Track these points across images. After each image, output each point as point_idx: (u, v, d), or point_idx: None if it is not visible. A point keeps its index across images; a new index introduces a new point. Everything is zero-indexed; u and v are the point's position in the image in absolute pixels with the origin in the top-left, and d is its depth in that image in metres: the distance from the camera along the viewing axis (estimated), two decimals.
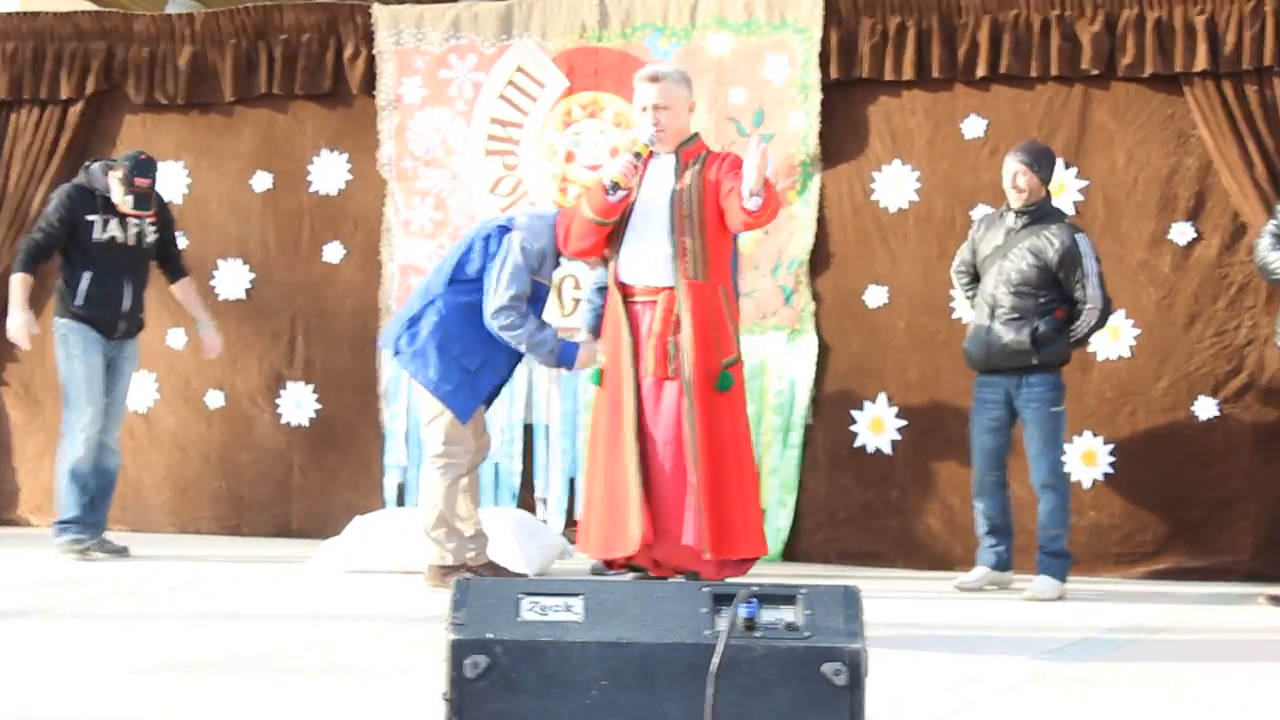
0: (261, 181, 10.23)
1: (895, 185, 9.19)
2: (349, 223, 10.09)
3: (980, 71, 8.98)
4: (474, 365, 7.65)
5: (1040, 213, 8.04)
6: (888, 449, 9.13)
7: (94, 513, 8.95)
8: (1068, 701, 5.23)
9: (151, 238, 9.07)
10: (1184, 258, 8.74)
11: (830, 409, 9.23)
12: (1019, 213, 8.04)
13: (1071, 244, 7.90)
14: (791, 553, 9.19)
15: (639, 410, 6.89)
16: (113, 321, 8.93)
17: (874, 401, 9.15)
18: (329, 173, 10.13)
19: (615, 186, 6.76)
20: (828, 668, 3.63)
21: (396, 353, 7.80)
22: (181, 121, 10.40)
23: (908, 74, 9.09)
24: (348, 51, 10.04)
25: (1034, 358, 7.90)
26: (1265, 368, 8.61)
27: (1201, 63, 8.58)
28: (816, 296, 9.26)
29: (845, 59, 9.20)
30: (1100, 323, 8.00)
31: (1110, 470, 8.78)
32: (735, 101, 9.35)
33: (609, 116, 9.54)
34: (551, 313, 9.21)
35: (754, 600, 3.68)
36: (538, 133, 9.71)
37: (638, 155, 6.85)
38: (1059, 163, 8.81)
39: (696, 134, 7.12)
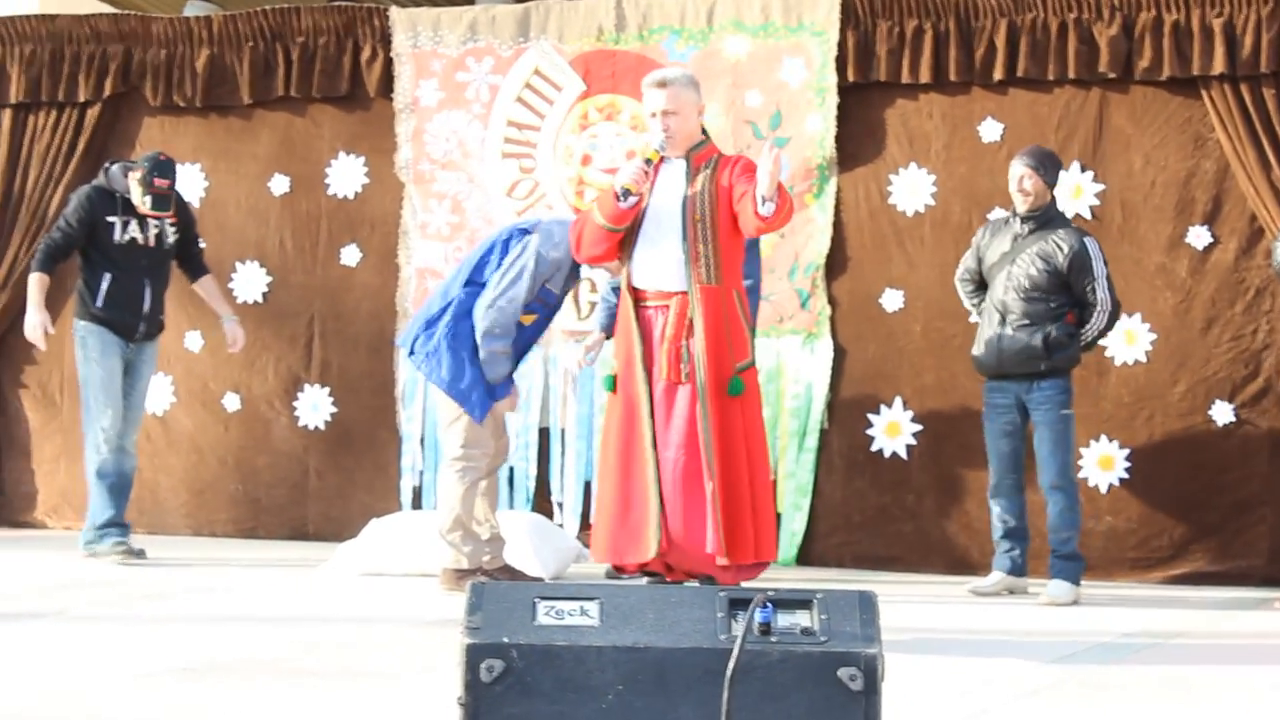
0: (279, 184, 10.24)
1: (912, 188, 9.18)
2: (366, 226, 10.10)
3: (997, 75, 8.98)
4: None
5: (1046, 217, 8.03)
6: (903, 453, 9.12)
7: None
8: (1083, 706, 5.23)
9: (171, 238, 9.08)
10: (1201, 262, 8.72)
11: (846, 413, 9.22)
12: (1025, 218, 8.03)
13: (1081, 248, 7.90)
14: (807, 557, 9.19)
15: (652, 416, 6.89)
16: (133, 324, 8.93)
17: (890, 405, 9.14)
18: (346, 176, 10.14)
19: (626, 193, 6.75)
20: (843, 672, 3.63)
21: (411, 353, 7.82)
22: (199, 124, 10.42)
23: (924, 77, 9.09)
24: (365, 54, 10.06)
25: (1044, 363, 7.90)
26: None
27: (1219, 66, 8.57)
28: (832, 300, 9.25)
29: (862, 62, 9.20)
30: (1109, 325, 8.00)
31: (1126, 475, 8.77)
32: (752, 104, 9.35)
33: (625, 119, 9.54)
34: (567, 317, 9.22)
35: (770, 605, 3.68)
36: (554, 135, 9.71)
37: (648, 161, 6.85)
38: (1075, 166, 8.80)
39: (707, 137, 7.10)
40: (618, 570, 7.44)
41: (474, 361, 7.64)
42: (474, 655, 3.63)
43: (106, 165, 9.13)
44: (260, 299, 10.22)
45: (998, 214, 8.68)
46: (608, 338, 7.98)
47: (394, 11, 10.04)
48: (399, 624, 6.76)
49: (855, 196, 9.26)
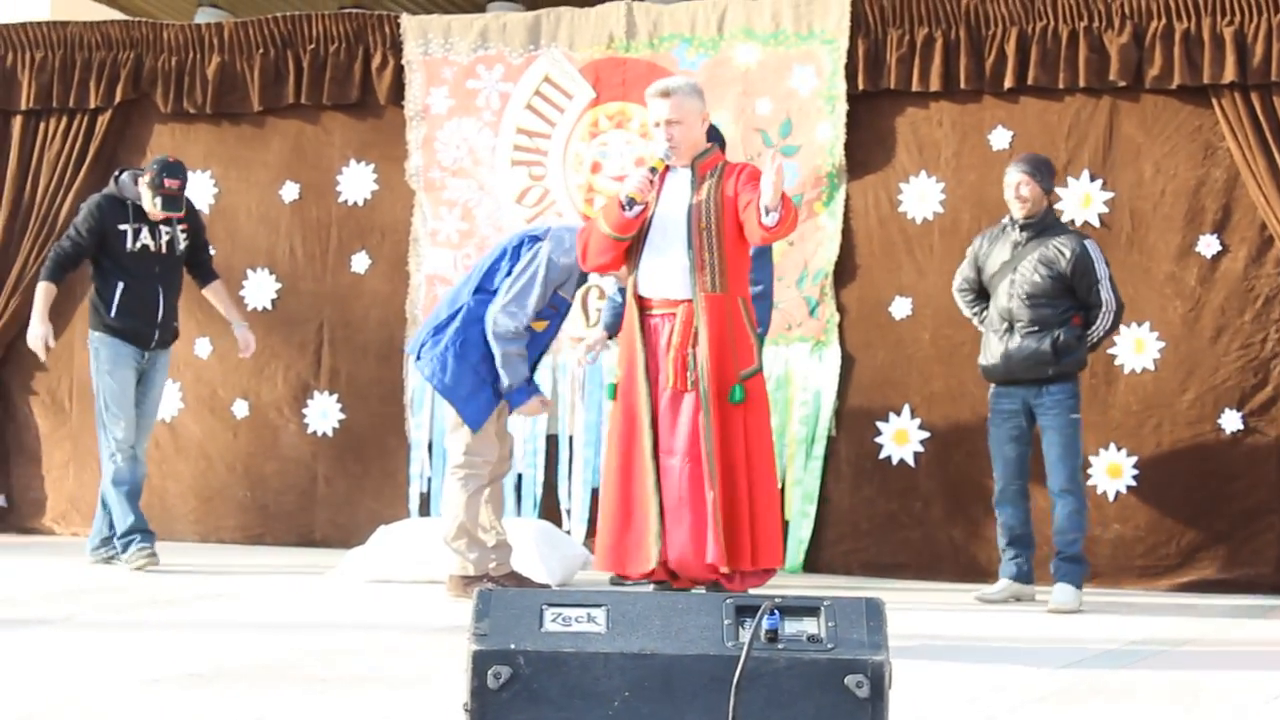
0: (289, 191, 10.26)
1: (921, 196, 9.18)
2: (376, 233, 10.11)
3: (1008, 83, 8.98)
4: (490, 375, 7.65)
5: (1043, 223, 8.04)
6: (911, 460, 9.12)
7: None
8: (1092, 713, 5.22)
9: (183, 244, 9.05)
10: (1210, 270, 8.72)
11: (854, 420, 9.22)
12: (1023, 225, 8.04)
13: (1082, 251, 7.91)
14: (814, 564, 9.18)
15: (654, 426, 6.89)
16: (148, 332, 8.91)
17: (898, 413, 9.14)
18: (357, 183, 10.15)
19: (631, 202, 6.76)
20: (850, 680, 3.63)
21: (418, 358, 7.82)
22: (210, 131, 10.44)
23: (935, 85, 9.09)
24: (376, 62, 10.07)
25: (1053, 368, 7.90)
26: None
27: (1230, 74, 8.56)
28: (841, 308, 9.25)
29: (872, 70, 9.20)
30: (1115, 325, 8.01)
31: (1134, 483, 8.76)
32: (762, 112, 9.35)
33: (635, 127, 9.55)
34: (576, 323, 9.23)
35: (777, 612, 3.68)
36: (564, 143, 9.72)
37: (653, 170, 6.86)
38: (1085, 174, 8.81)
39: (712, 145, 7.10)
40: (622, 578, 7.43)
41: (479, 370, 7.63)
42: (481, 661, 3.64)
43: (116, 173, 9.11)
44: (270, 306, 10.23)
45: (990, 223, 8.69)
46: (610, 337, 7.98)
47: (405, 19, 10.05)
48: (406, 630, 6.76)
49: (865, 204, 9.26)
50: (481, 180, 9.85)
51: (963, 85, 9.07)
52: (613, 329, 7.89)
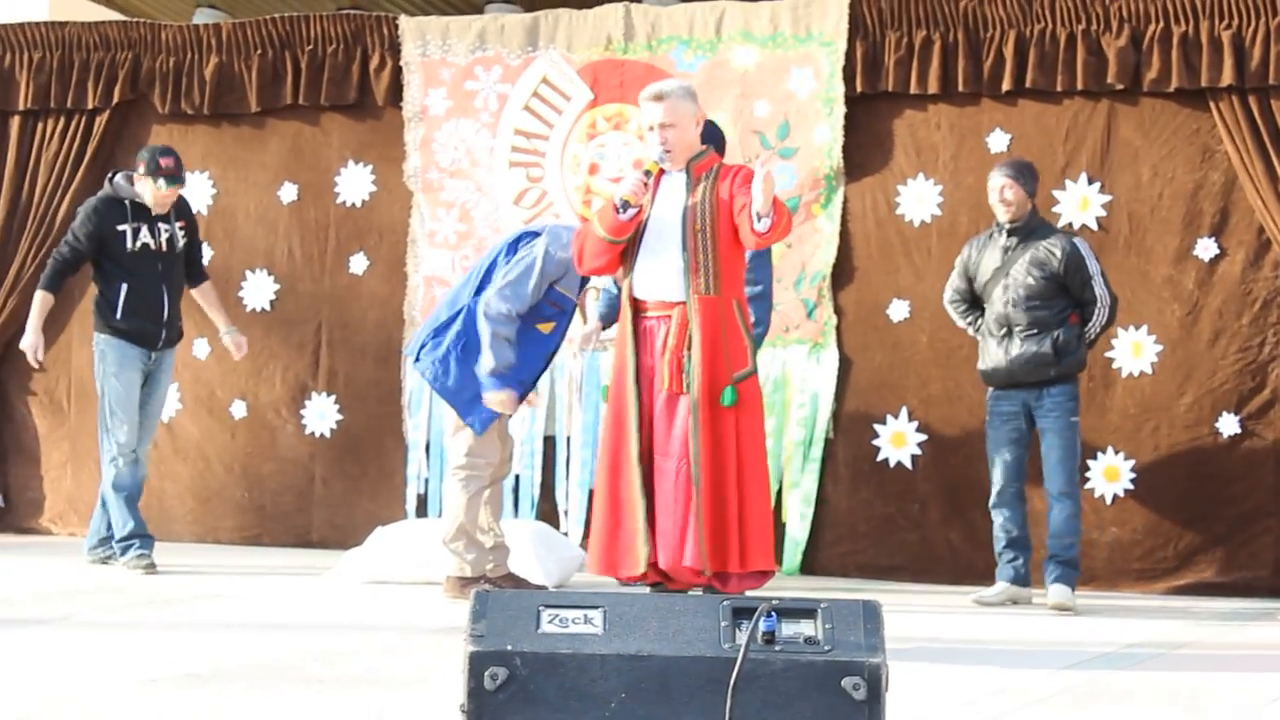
0: (288, 193, 10.25)
1: (919, 199, 9.18)
2: (374, 234, 10.11)
3: (1005, 85, 8.98)
4: None
5: (1030, 226, 8.06)
6: (909, 463, 9.12)
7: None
8: (1089, 716, 5.22)
9: (182, 241, 9.02)
10: (1208, 273, 8.72)
11: (852, 423, 9.22)
12: (1011, 230, 8.05)
13: (1072, 249, 7.94)
14: (811, 566, 9.18)
15: (642, 429, 6.90)
16: (154, 331, 8.86)
17: (896, 415, 9.14)
18: (355, 184, 10.15)
19: (625, 205, 6.76)
20: (847, 682, 3.63)
21: (417, 360, 7.81)
22: (208, 132, 10.44)
23: (933, 88, 9.09)
24: (374, 63, 10.07)
25: (1054, 369, 7.91)
26: None
27: (1227, 77, 8.56)
28: (839, 310, 9.25)
29: (870, 72, 9.21)
30: (1110, 319, 8.03)
31: (1132, 486, 8.77)
32: (760, 114, 9.35)
33: (633, 129, 9.54)
34: (574, 325, 9.21)
35: (774, 614, 3.68)
36: (562, 145, 9.72)
37: (648, 173, 6.86)
38: (1082, 177, 8.81)
39: (707, 147, 7.10)
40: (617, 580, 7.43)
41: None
42: (478, 663, 3.64)
43: (110, 176, 9.02)
44: (268, 307, 10.23)
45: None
46: (605, 327, 7.97)
47: (403, 20, 10.05)
48: (403, 631, 6.76)
49: (862, 206, 9.26)
50: (479, 181, 9.85)
51: (961, 88, 9.07)
52: (607, 319, 7.87)
